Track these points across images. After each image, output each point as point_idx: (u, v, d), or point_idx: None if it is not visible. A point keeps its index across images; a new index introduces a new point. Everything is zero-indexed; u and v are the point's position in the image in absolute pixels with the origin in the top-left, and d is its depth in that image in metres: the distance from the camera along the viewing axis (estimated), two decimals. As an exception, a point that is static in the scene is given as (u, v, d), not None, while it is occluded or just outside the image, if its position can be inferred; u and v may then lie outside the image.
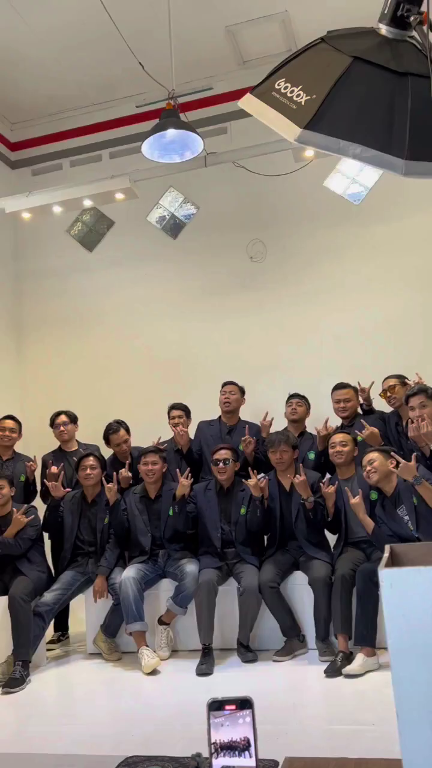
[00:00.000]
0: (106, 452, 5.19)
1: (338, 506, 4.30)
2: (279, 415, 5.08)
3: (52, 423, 5.18)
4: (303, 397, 5.08)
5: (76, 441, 5.27)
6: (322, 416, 4.88)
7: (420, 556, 1.37)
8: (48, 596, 4.31)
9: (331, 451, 4.40)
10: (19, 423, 5.09)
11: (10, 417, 5.07)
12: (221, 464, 4.47)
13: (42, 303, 7.11)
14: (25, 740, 3.09)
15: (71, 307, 7.00)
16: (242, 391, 5.17)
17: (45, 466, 5.07)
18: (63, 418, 5.17)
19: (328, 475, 4.61)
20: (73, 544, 4.65)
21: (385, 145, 1.41)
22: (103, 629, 4.37)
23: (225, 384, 5.19)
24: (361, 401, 4.88)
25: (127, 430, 5.10)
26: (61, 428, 5.13)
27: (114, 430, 5.04)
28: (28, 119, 7.21)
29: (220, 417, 5.19)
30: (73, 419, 5.22)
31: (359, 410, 4.90)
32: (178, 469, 4.72)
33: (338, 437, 4.42)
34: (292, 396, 5.09)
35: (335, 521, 4.32)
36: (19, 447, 5.20)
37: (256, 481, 4.30)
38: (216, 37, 6.12)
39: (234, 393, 5.10)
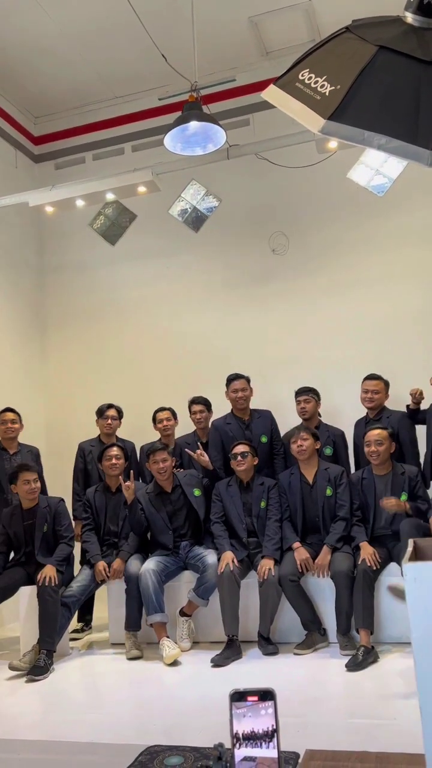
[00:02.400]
0: (141, 441, 5.33)
1: (369, 502, 4.27)
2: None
3: (101, 413, 5.26)
4: (310, 391, 4.91)
5: (116, 436, 5.34)
6: (344, 409, 4.85)
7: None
8: (74, 587, 4.37)
9: (366, 450, 4.27)
10: (18, 414, 5.16)
11: (9, 409, 5.14)
12: (239, 457, 4.49)
13: (65, 297, 7.16)
14: (48, 727, 3.13)
15: (94, 300, 7.04)
16: (248, 380, 4.94)
17: (83, 453, 5.21)
18: (113, 411, 5.28)
19: (360, 471, 4.54)
20: (100, 537, 4.72)
21: (410, 135, 1.39)
22: (126, 627, 4.33)
23: (232, 379, 4.92)
24: (409, 403, 4.75)
25: (174, 415, 5.34)
26: (109, 421, 5.23)
27: (161, 409, 5.33)
28: (51, 113, 7.24)
29: (233, 412, 4.97)
30: (120, 415, 5.33)
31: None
32: (195, 452, 4.70)
33: (373, 435, 4.24)
34: (298, 393, 4.92)
35: (362, 518, 4.29)
36: (22, 437, 5.24)
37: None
38: (239, 28, 6.08)
39: (245, 390, 4.87)
